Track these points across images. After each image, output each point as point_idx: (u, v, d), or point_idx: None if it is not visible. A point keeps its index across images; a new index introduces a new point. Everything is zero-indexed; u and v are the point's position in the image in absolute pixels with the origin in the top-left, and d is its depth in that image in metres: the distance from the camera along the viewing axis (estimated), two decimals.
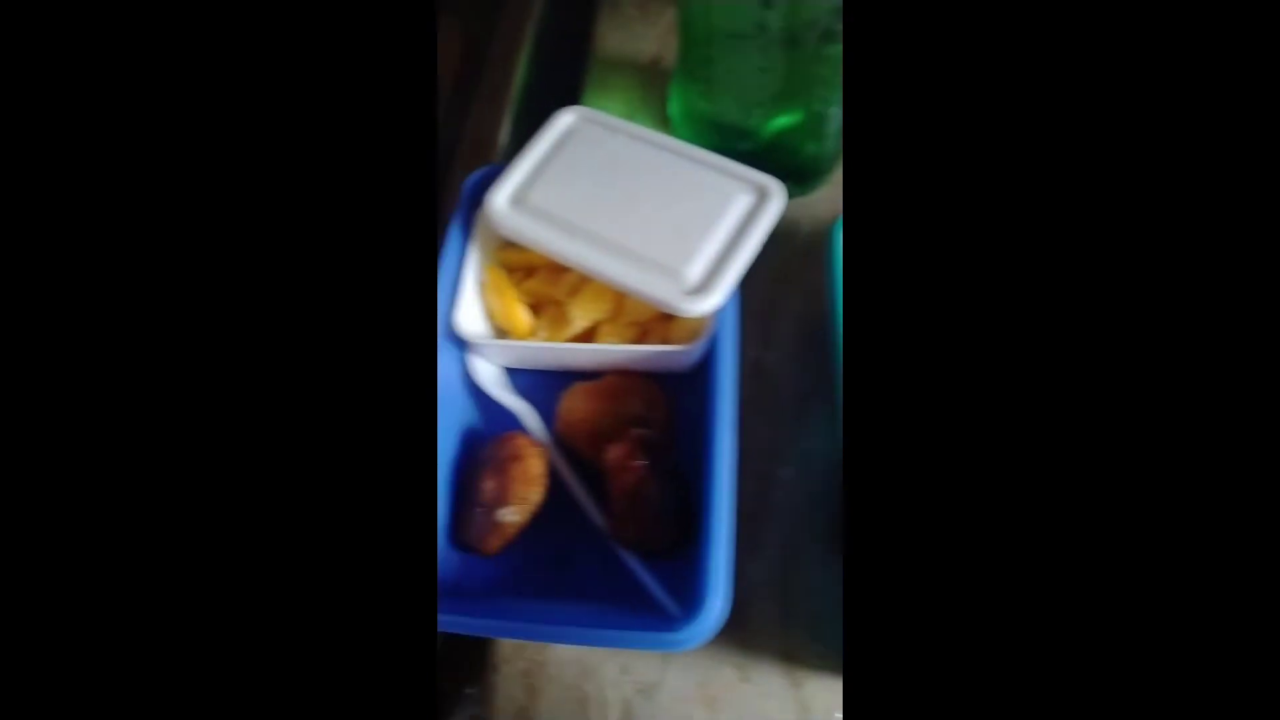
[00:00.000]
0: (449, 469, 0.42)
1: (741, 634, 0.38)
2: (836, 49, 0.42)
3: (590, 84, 0.58)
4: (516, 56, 0.58)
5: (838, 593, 0.38)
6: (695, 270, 0.40)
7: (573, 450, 0.43)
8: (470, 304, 0.45)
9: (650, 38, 0.61)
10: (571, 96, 0.58)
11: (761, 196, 0.42)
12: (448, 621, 0.37)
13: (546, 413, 0.44)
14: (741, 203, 0.42)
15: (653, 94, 0.57)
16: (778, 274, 0.47)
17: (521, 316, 0.45)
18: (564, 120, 0.46)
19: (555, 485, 0.41)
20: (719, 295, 0.39)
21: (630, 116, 0.47)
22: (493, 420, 0.45)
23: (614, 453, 0.39)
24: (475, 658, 0.41)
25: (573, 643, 0.39)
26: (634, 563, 0.39)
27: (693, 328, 0.43)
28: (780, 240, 0.43)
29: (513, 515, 0.39)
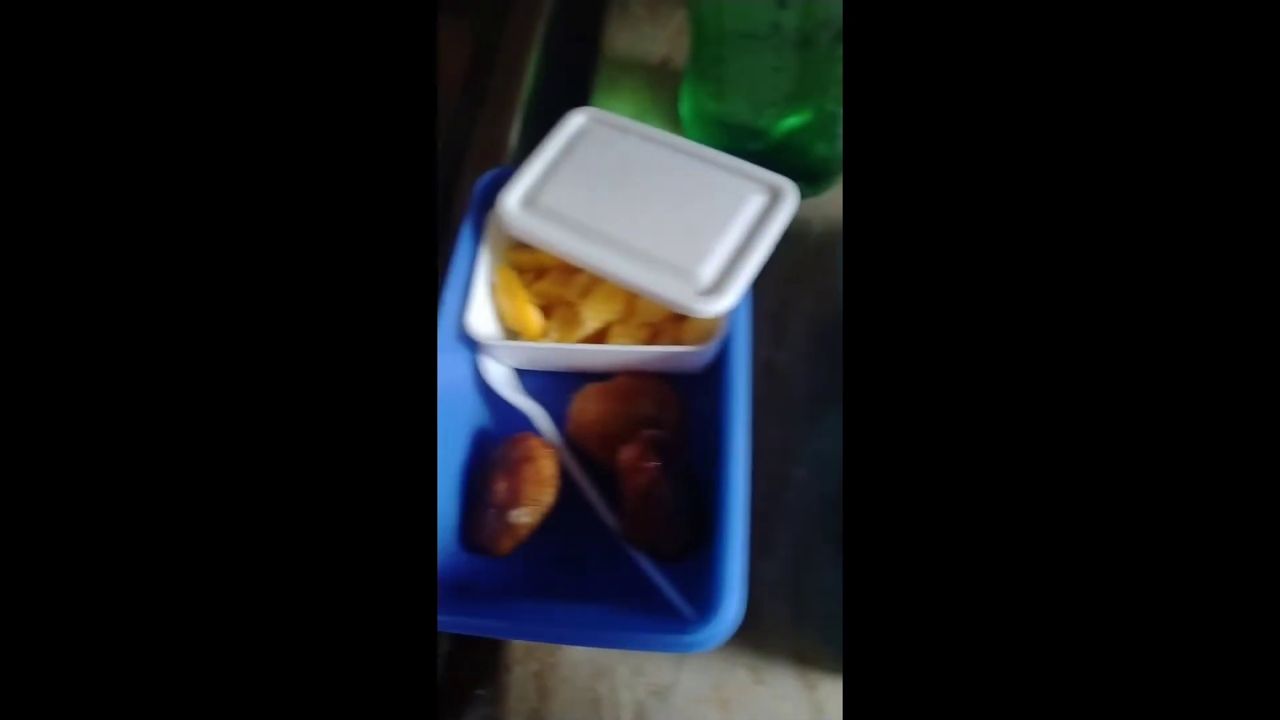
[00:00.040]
0: (460, 470, 0.42)
1: (755, 635, 0.38)
2: None
3: (600, 85, 0.58)
4: (526, 58, 0.58)
5: None
6: (708, 271, 0.39)
7: (584, 451, 0.43)
8: (482, 305, 0.45)
9: (660, 39, 0.61)
10: (581, 98, 0.58)
11: (774, 197, 0.42)
12: (459, 623, 0.37)
13: (557, 414, 0.44)
14: (754, 203, 0.42)
15: (662, 95, 0.57)
16: (789, 274, 0.47)
17: (533, 318, 0.45)
18: (575, 121, 0.46)
19: (567, 486, 0.41)
20: (732, 296, 0.39)
21: (640, 117, 0.47)
22: (504, 421, 0.45)
23: (626, 454, 0.39)
24: (487, 659, 0.41)
25: (588, 644, 0.39)
26: (646, 564, 0.39)
27: (705, 329, 0.43)
28: (792, 241, 0.43)
29: (525, 516, 0.39)
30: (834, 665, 0.38)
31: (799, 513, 0.42)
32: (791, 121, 0.47)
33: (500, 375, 0.46)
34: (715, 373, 0.42)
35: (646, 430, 0.40)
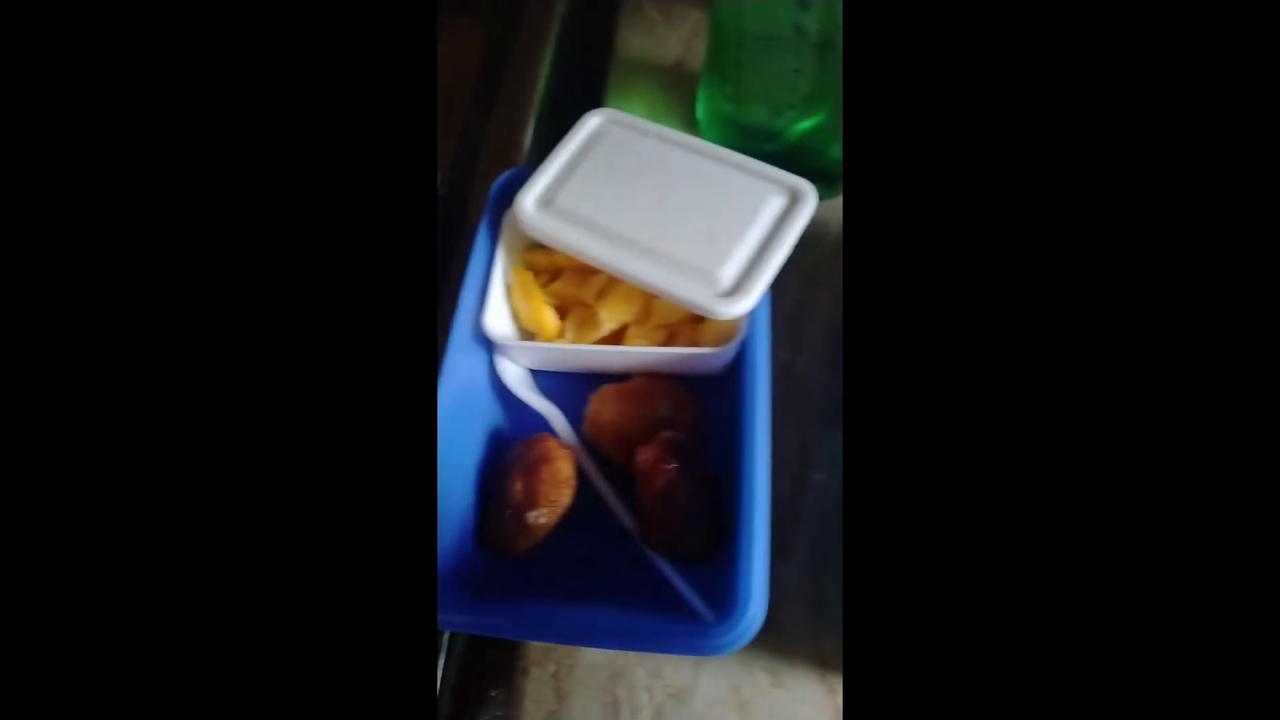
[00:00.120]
0: (476, 470, 0.42)
1: (774, 639, 0.38)
2: None
3: (613, 86, 0.58)
4: (540, 59, 0.58)
5: None
6: (728, 273, 0.39)
7: (601, 452, 0.43)
8: (498, 306, 0.45)
9: (673, 40, 0.61)
10: (594, 99, 0.58)
11: (793, 198, 0.42)
12: (476, 624, 0.37)
13: (573, 415, 0.44)
14: (774, 205, 0.41)
15: (676, 96, 0.57)
16: (807, 276, 0.47)
17: (549, 318, 0.45)
18: (592, 122, 0.46)
19: (583, 487, 0.41)
20: (753, 298, 0.39)
21: (654, 119, 0.47)
22: (520, 422, 0.44)
23: (645, 455, 0.39)
24: (504, 660, 0.40)
25: (606, 646, 0.39)
26: (664, 566, 0.39)
27: (723, 330, 0.42)
28: (809, 243, 0.43)
29: (542, 517, 0.39)
30: None
31: (817, 516, 0.42)
32: (807, 123, 0.47)
33: (516, 376, 0.46)
34: (733, 375, 0.42)
35: (665, 432, 0.40)
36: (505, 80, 0.58)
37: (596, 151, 0.45)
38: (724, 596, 0.34)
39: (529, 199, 0.43)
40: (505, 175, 0.47)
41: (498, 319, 0.44)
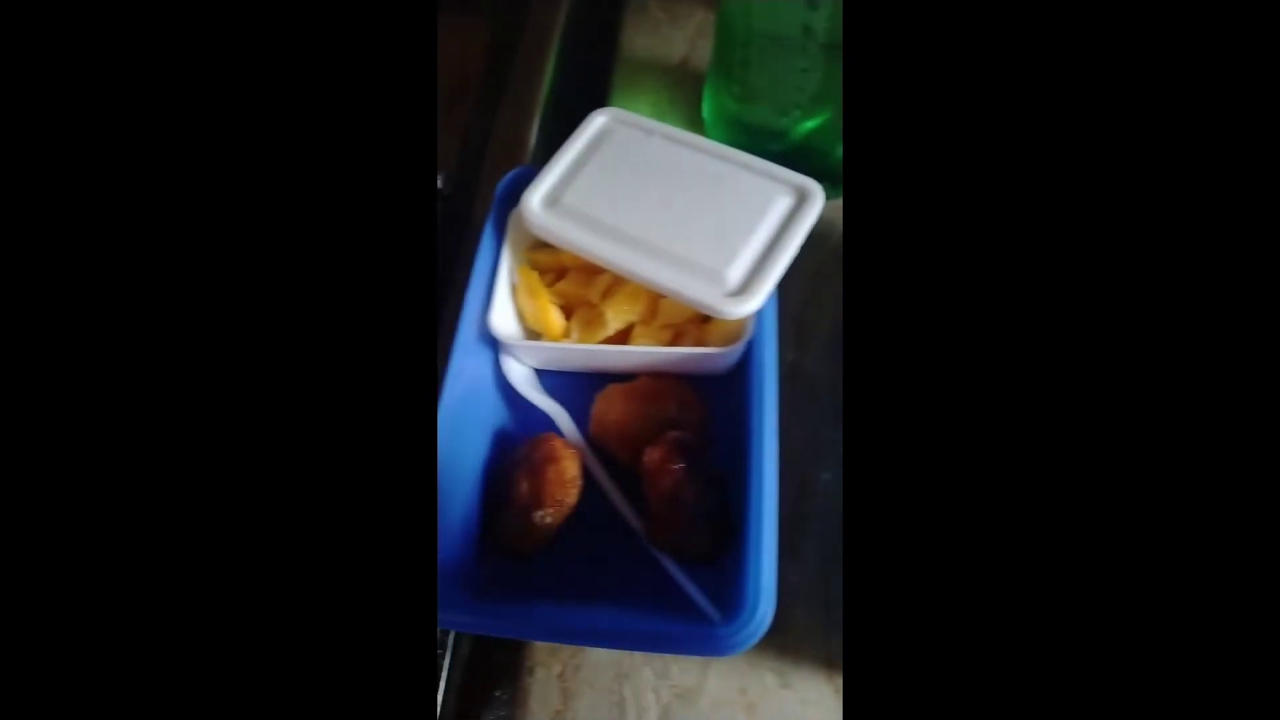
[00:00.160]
0: (481, 470, 0.42)
1: (781, 639, 0.38)
2: None
3: (618, 85, 0.58)
4: (545, 57, 0.58)
5: None
6: (736, 272, 0.39)
7: (606, 452, 0.43)
8: (503, 305, 0.44)
9: (678, 40, 0.61)
10: (599, 98, 0.58)
11: (801, 198, 0.42)
12: (481, 624, 0.37)
13: (578, 414, 0.44)
14: (781, 204, 0.41)
15: (681, 95, 0.57)
16: (813, 276, 0.47)
17: (554, 318, 0.44)
18: (598, 121, 0.46)
19: (589, 487, 0.41)
20: (760, 297, 0.39)
21: (659, 118, 0.46)
22: (525, 422, 0.44)
23: (652, 455, 0.39)
24: (509, 661, 0.40)
25: (614, 647, 0.38)
26: (671, 566, 0.39)
27: (729, 330, 0.42)
28: (815, 242, 0.43)
29: (548, 517, 0.39)
30: None
31: (825, 516, 0.42)
32: (812, 123, 0.47)
33: (521, 375, 0.46)
34: (739, 375, 0.42)
35: (672, 432, 0.40)
36: (510, 78, 0.57)
37: (603, 150, 0.45)
38: (731, 597, 0.34)
39: (535, 198, 0.43)
40: (511, 174, 0.46)
41: (503, 318, 0.44)
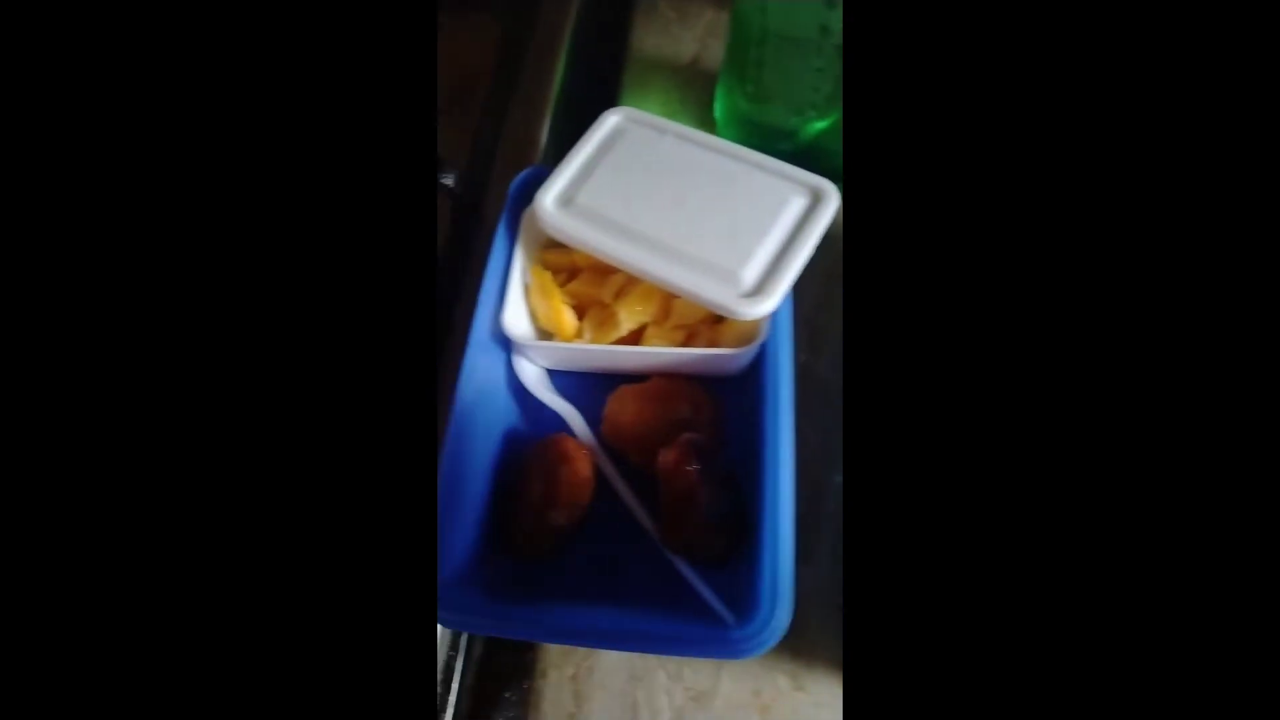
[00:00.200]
0: (493, 470, 0.42)
1: (795, 642, 0.37)
2: None
3: (628, 85, 0.58)
4: (555, 55, 0.58)
5: None
6: (751, 273, 0.39)
7: (619, 453, 0.42)
8: (516, 305, 0.44)
9: (688, 39, 0.61)
10: (610, 97, 0.58)
11: (815, 198, 0.41)
12: (493, 626, 0.37)
13: (590, 415, 0.44)
14: (796, 205, 0.41)
15: (691, 95, 0.57)
16: (826, 278, 0.47)
17: (567, 318, 0.44)
18: (611, 120, 0.46)
19: (602, 488, 0.41)
20: (776, 298, 0.38)
21: (670, 117, 0.46)
22: (537, 422, 0.44)
23: (666, 457, 0.39)
24: (522, 663, 0.40)
25: (628, 649, 0.38)
26: (685, 568, 0.39)
27: (742, 331, 0.42)
28: (828, 243, 0.43)
29: (561, 518, 0.39)
30: None
31: (838, 519, 0.41)
32: (823, 123, 0.47)
33: (534, 375, 0.45)
34: (752, 376, 0.41)
35: (686, 434, 0.39)
36: (521, 77, 0.57)
37: (616, 150, 0.44)
38: (746, 599, 0.34)
39: (549, 198, 0.43)
40: (524, 174, 0.46)
41: (516, 319, 0.44)
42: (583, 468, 0.40)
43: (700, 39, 0.60)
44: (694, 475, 0.38)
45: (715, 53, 0.59)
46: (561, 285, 0.46)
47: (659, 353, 0.43)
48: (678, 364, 0.43)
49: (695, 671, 0.38)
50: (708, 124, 0.54)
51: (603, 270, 0.44)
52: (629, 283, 0.44)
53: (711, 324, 0.44)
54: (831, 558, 0.40)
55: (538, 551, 0.40)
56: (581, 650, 0.40)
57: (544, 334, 0.46)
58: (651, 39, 0.61)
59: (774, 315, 0.40)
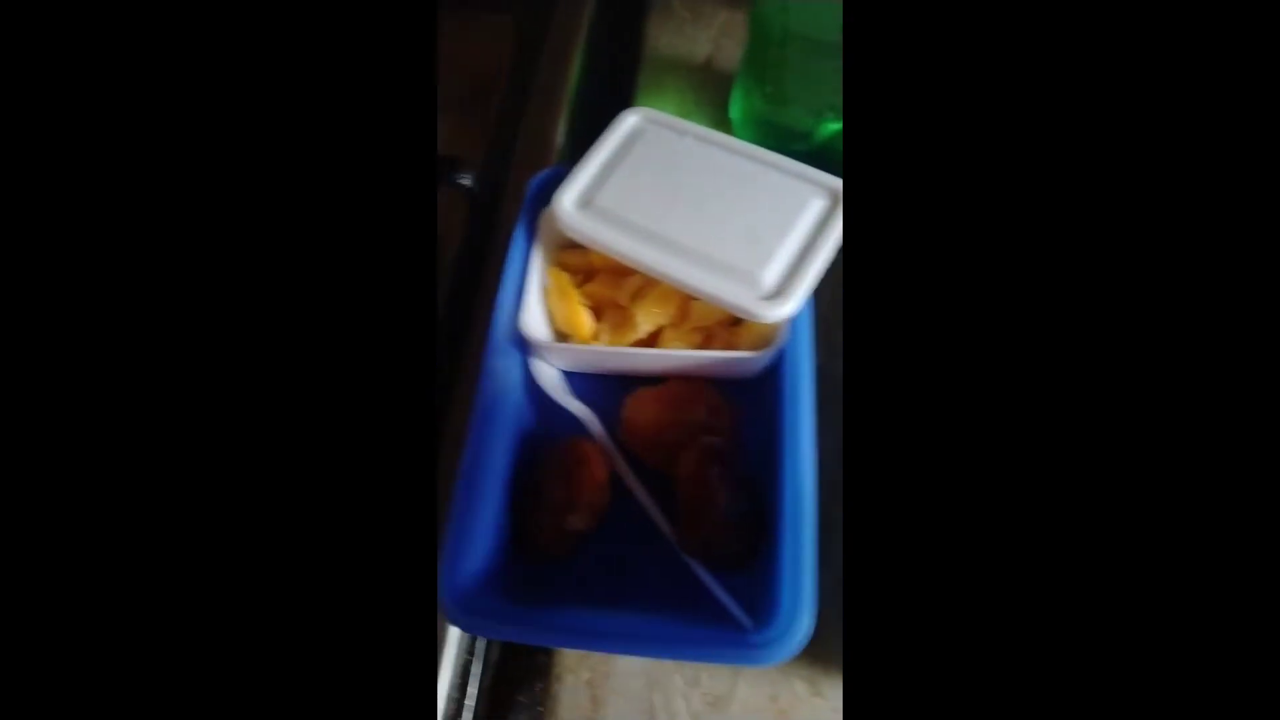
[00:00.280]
0: (510, 472, 0.41)
1: (812, 647, 0.37)
2: None
3: (643, 85, 0.58)
4: (571, 56, 0.58)
5: None
6: (771, 275, 0.39)
7: (636, 456, 0.42)
8: (534, 307, 0.44)
9: (703, 40, 0.60)
10: (624, 98, 0.58)
11: (835, 200, 0.41)
12: (509, 631, 0.36)
13: (606, 417, 0.43)
14: (815, 206, 0.41)
15: (706, 95, 0.57)
16: (842, 280, 0.47)
17: (584, 320, 0.44)
18: (629, 121, 0.46)
19: (618, 491, 0.40)
20: (796, 301, 0.38)
21: (685, 118, 0.46)
22: (554, 424, 0.44)
23: (686, 461, 0.38)
24: (538, 667, 0.40)
25: (645, 654, 0.38)
26: (703, 572, 0.38)
27: (761, 334, 0.42)
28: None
29: (579, 521, 0.39)
30: None
31: None
32: (838, 125, 0.47)
33: (551, 377, 0.45)
34: (771, 379, 0.41)
35: (705, 437, 0.39)
36: (536, 78, 0.57)
37: (635, 151, 0.44)
38: (764, 604, 0.34)
39: (567, 199, 0.43)
40: (542, 174, 0.46)
41: (534, 320, 0.44)
42: (601, 470, 0.40)
43: (715, 39, 0.60)
44: (714, 479, 0.38)
45: (730, 53, 0.59)
46: (579, 286, 0.45)
47: (676, 355, 0.42)
48: (695, 367, 0.43)
49: (712, 676, 0.38)
50: (723, 124, 0.54)
51: (620, 271, 0.44)
52: (646, 284, 0.44)
53: (729, 326, 0.44)
54: None
55: (556, 553, 0.39)
56: (598, 655, 0.39)
57: (561, 335, 0.46)
58: (666, 39, 0.60)
59: (794, 317, 0.40)
